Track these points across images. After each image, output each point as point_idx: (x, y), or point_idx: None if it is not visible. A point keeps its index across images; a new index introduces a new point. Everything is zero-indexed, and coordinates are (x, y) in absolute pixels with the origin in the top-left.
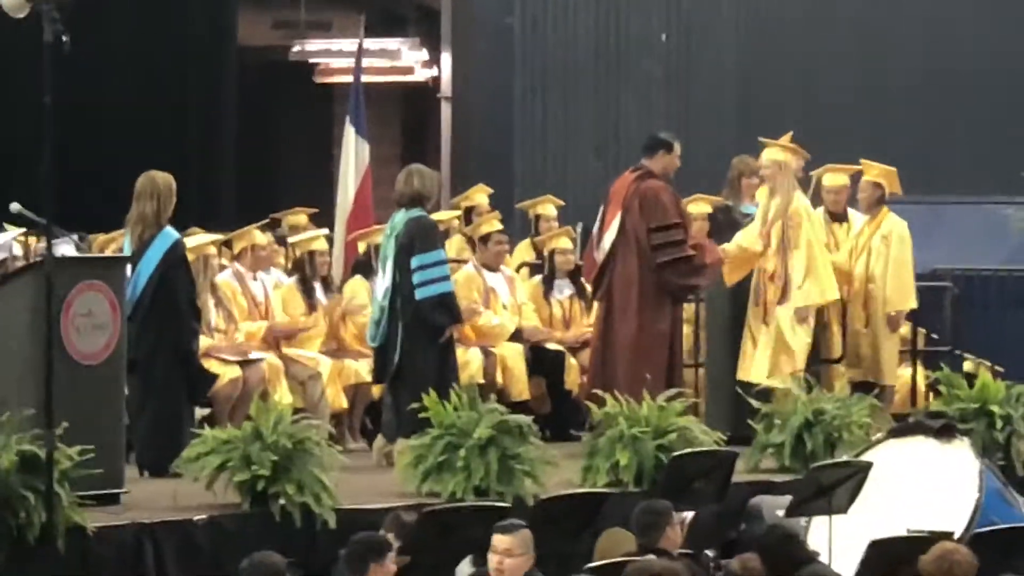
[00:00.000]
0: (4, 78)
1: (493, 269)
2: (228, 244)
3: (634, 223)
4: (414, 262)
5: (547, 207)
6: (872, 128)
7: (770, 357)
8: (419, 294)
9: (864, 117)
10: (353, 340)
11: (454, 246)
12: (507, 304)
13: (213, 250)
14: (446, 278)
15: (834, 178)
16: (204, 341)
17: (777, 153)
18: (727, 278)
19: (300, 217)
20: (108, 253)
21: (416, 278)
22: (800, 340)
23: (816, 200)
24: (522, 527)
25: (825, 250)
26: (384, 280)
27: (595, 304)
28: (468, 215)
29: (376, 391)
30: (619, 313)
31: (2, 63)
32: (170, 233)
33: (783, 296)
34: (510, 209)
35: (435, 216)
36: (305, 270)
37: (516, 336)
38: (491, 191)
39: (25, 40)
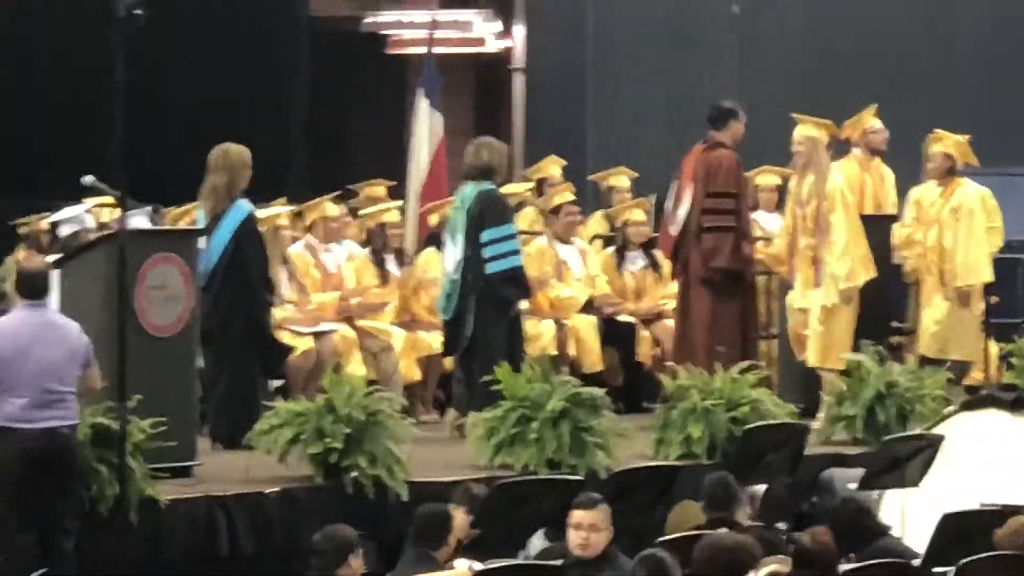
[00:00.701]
0: (77, 52)
1: (565, 241)
2: (300, 216)
3: (699, 193)
4: (484, 236)
5: (620, 179)
6: (944, 96)
7: (813, 344)
8: (490, 268)
9: (934, 84)
10: (426, 312)
11: (527, 218)
12: (579, 276)
13: (284, 222)
14: (516, 252)
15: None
16: (277, 313)
17: (810, 129)
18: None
19: (377, 189)
20: (182, 226)
21: (487, 252)
22: (840, 324)
23: None
24: (601, 500)
25: (860, 230)
26: (455, 253)
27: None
28: (540, 187)
29: (448, 363)
30: (695, 286)
31: (75, 37)
32: (243, 205)
33: (817, 279)
34: (582, 181)
35: (507, 189)
36: (377, 242)
37: (588, 308)
38: (564, 163)
39: (98, 13)
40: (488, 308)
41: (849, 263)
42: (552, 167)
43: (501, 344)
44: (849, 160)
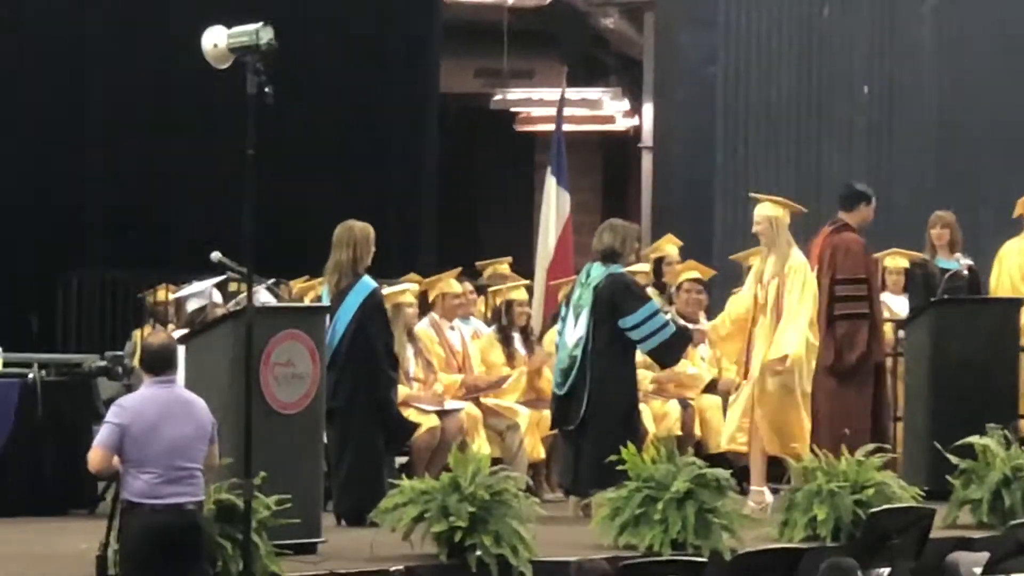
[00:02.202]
0: (208, 127)
1: (691, 320)
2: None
3: (825, 276)
4: (628, 322)
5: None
6: None
7: (774, 428)
8: (645, 347)
9: None
10: (551, 390)
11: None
12: (704, 356)
13: (409, 298)
14: (665, 324)
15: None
16: (402, 390)
17: (769, 208)
18: (723, 350)
19: (502, 266)
20: (307, 300)
21: (635, 336)
22: (785, 408)
23: None
24: None
25: (809, 312)
26: (576, 330)
27: None
28: (659, 266)
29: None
30: (821, 371)
31: (205, 112)
32: (367, 282)
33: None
34: (709, 259)
35: (633, 268)
36: (503, 320)
37: (713, 388)
38: (680, 243)
39: (228, 90)
40: (607, 386)
41: (782, 336)
42: (668, 246)
43: (616, 424)
44: (1020, 238)
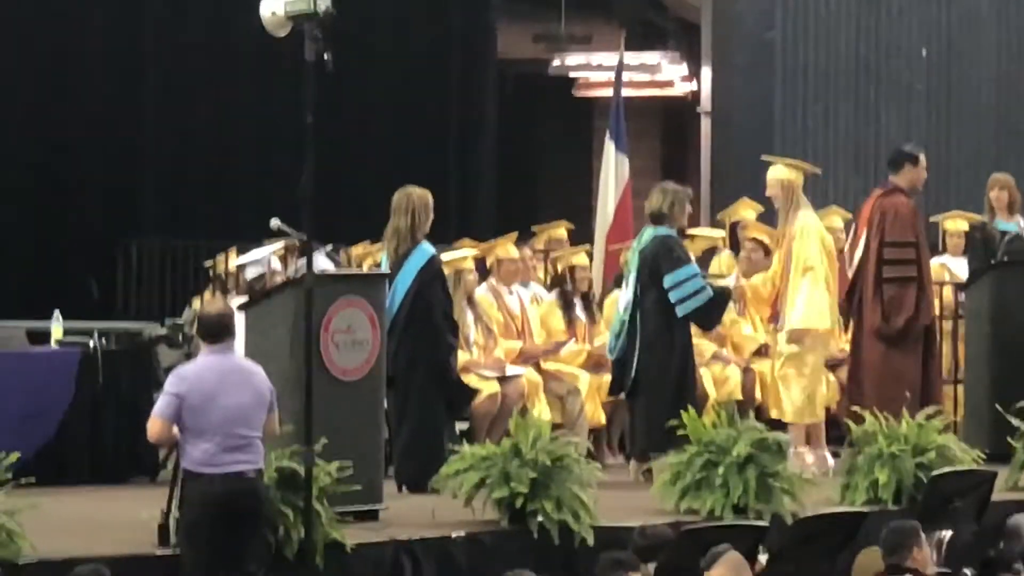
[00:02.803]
0: (266, 96)
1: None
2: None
3: (874, 239)
4: (667, 281)
5: (834, 219)
6: None
7: (780, 394)
8: (681, 311)
9: None
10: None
11: (723, 263)
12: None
13: (468, 264)
14: (703, 288)
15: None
16: (463, 356)
17: (782, 171)
18: (757, 311)
19: (559, 231)
20: (365, 267)
21: (673, 296)
22: (801, 370)
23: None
24: (727, 552)
25: (823, 274)
26: (625, 293)
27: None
28: (734, 230)
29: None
30: (868, 331)
31: (264, 79)
32: (426, 248)
33: (774, 319)
34: (771, 222)
35: (697, 232)
36: (564, 285)
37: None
38: (760, 208)
39: (286, 58)
40: (655, 350)
41: (793, 306)
42: (745, 210)
43: (668, 386)
44: None
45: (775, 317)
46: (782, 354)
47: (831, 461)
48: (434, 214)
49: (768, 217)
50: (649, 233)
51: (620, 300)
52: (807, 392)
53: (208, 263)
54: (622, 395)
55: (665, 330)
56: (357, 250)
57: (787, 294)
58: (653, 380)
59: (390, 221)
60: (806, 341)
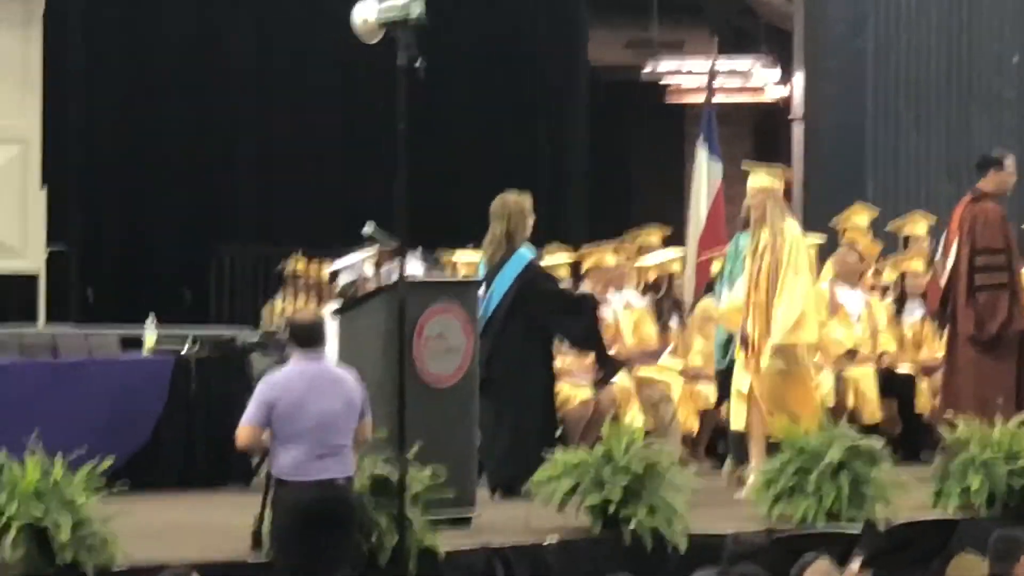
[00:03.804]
0: (357, 102)
1: (847, 284)
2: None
3: (964, 246)
4: None
5: (917, 226)
6: None
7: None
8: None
9: None
10: (703, 362)
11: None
12: (857, 320)
13: (563, 271)
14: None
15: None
16: (556, 363)
17: (764, 179)
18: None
19: (652, 237)
20: (460, 272)
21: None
22: (778, 387)
23: None
24: (816, 560)
25: (809, 287)
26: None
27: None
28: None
29: (724, 413)
30: (962, 338)
31: (355, 87)
32: (524, 253)
33: (766, 334)
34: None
35: None
36: (657, 291)
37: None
38: (875, 213)
39: (379, 64)
40: None
41: (783, 320)
42: (858, 216)
43: None
44: None
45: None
46: (768, 370)
47: None
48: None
49: (879, 223)
50: (746, 239)
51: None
52: (788, 407)
53: (281, 266)
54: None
55: None
56: (453, 256)
57: (776, 308)
58: None
59: (490, 227)
60: (796, 354)
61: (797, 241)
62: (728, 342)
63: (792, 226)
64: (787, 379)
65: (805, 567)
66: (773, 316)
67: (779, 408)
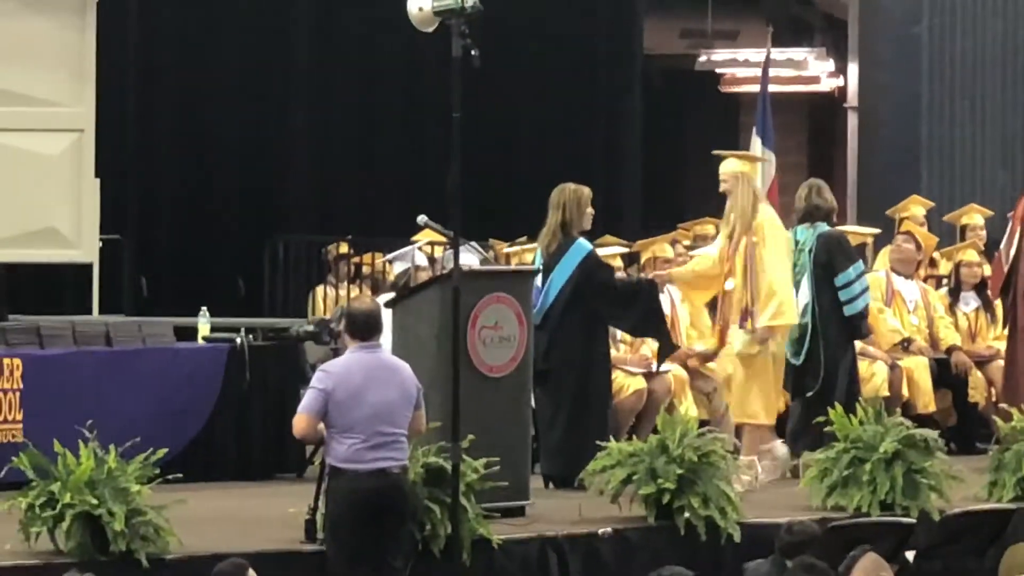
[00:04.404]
0: (412, 92)
1: (903, 274)
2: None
3: None
4: (839, 280)
5: (974, 217)
6: None
7: (738, 395)
8: (848, 310)
9: None
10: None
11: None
12: (913, 309)
13: (617, 262)
14: (866, 290)
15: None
16: (611, 353)
17: (736, 164)
18: (689, 299)
19: (707, 227)
20: (514, 263)
21: (843, 295)
22: (758, 372)
23: None
24: (865, 554)
25: (789, 270)
26: (801, 297)
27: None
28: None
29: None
30: (1022, 329)
31: (410, 76)
32: (583, 244)
33: (743, 319)
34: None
35: (846, 228)
36: None
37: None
38: (931, 204)
39: (434, 53)
40: (835, 351)
41: (767, 303)
42: (915, 206)
43: (847, 386)
44: None
45: (745, 316)
46: (742, 354)
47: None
48: None
49: (934, 213)
50: (809, 231)
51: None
52: (765, 392)
53: (326, 251)
54: (806, 396)
55: (844, 330)
56: (504, 246)
57: (758, 291)
58: (839, 379)
59: (548, 217)
60: (775, 339)
61: (774, 226)
62: (801, 338)
63: (766, 210)
64: (754, 363)
65: (855, 561)
66: (758, 299)
67: (741, 391)
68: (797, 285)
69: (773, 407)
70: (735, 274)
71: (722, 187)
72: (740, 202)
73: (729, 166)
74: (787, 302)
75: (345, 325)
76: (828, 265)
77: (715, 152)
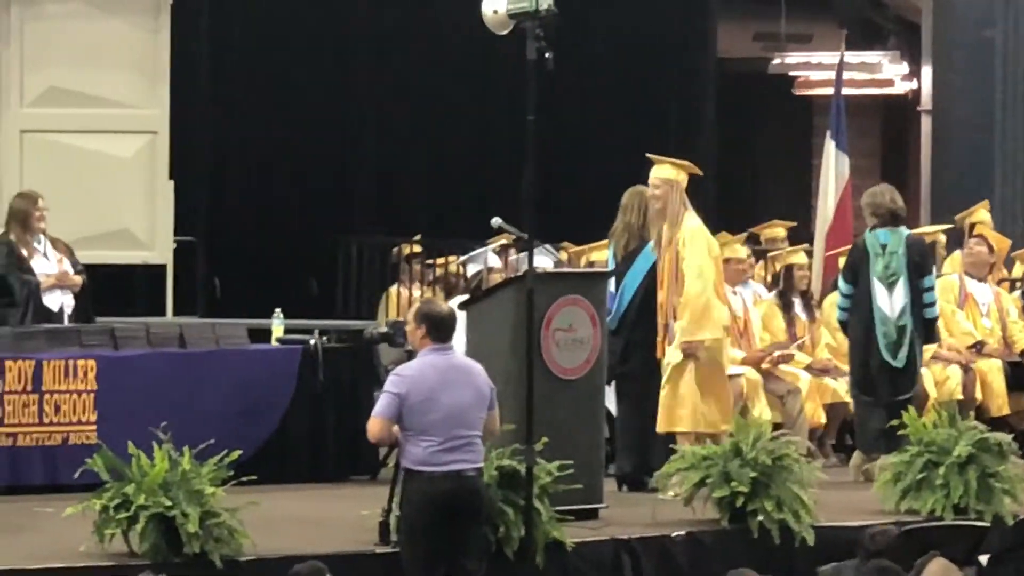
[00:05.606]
0: (485, 94)
1: (976, 277)
2: None
3: None
4: (925, 282)
5: (981, 214)
6: None
7: (665, 403)
8: (929, 313)
9: None
10: (834, 356)
11: (951, 264)
12: (986, 312)
13: None
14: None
15: None
16: None
17: (668, 171)
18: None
19: (778, 230)
20: (583, 264)
21: (926, 298)
22: (685, 383)
23: None
24: (933, 559)
25: (709, 281)
26: (895, 299)
27: None
28: (971, 230)
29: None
30: None
31: (483, 78)
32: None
33: (666, 331)
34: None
35: (923, 230)
36: (784, 285)
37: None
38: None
39: (509, 56)
40: (920, 354)
41: (688, 316)
42: (982, 211)
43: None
44: None
45: (666, 329)
46: (671, 364)
47: None
48: None
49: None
50: (894, 234)
51: (886, 307)
52: (693, 403)
53: (396, 251)
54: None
55: (922, 333)
56: (571, 248)
57: (679, 304)
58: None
59: (618, 218)
60: (700, 352)
61: (696, 236)
62: (899, 339)
63: (691, 218)
64: (682, 373)
65: (922, 567)
66: (679, 313)
67: (679, 404)
68: (891, 288)
69: (701, 416)
70: (662, 285)
71: (653, 192)
72: (671, 209)
73: (662, 172)
74: (705, 316)
75: (423, 326)
76: (921, 268)
77: (649, 156)
